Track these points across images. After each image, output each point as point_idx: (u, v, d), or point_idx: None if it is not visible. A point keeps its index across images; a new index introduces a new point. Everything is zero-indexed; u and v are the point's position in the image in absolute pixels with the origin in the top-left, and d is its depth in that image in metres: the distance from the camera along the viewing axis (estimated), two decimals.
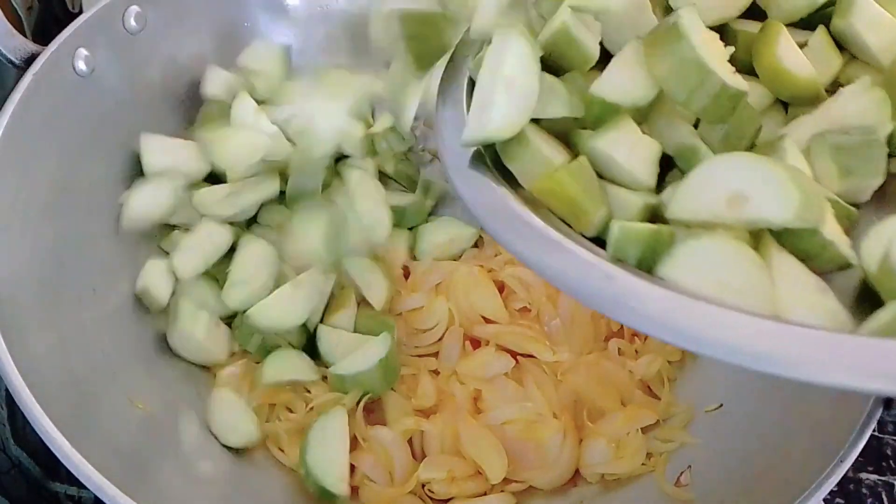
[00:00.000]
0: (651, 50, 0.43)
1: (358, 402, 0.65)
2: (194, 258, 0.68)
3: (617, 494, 0.63)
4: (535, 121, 0.44)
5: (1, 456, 0.65)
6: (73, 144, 0.63)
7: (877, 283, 0.37)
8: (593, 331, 0.70)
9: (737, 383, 0.65)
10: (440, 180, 0.82)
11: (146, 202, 0.67)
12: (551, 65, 0.46)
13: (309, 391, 0.67)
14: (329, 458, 0.61)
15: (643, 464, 0.63)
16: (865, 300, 0.37)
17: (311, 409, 0.65)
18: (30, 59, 0.60)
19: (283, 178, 0.72)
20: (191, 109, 0.76)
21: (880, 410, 0.51)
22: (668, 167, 0.45)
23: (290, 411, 0.67)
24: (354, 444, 0.63)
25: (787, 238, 0.38)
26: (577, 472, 0.65)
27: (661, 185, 0.44)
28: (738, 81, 0.41)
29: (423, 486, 0.63)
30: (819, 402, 0.57)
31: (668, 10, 0.48)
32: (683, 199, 0.39)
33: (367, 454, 0.63)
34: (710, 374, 0.68)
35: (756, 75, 0.48)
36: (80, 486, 0.48)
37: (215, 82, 0.74)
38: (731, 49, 0.43)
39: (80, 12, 0.80)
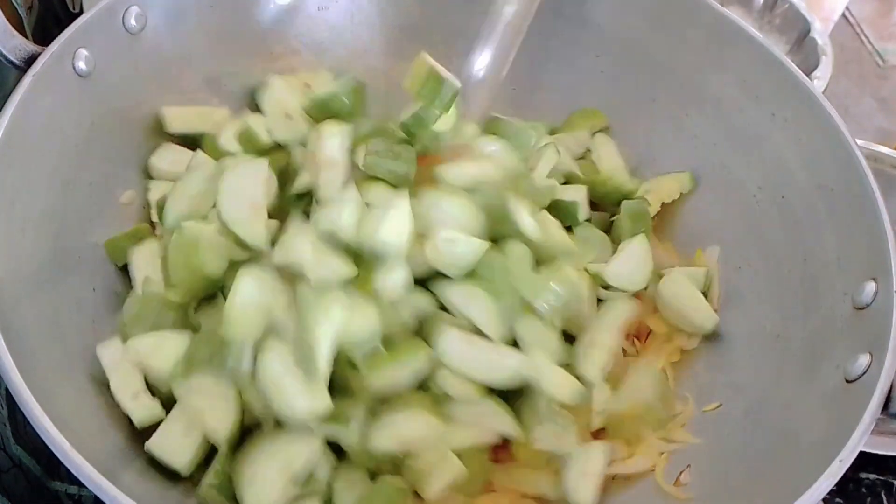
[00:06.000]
0: None
1: None
2: None
3: (616, 493, 0.63)
4: None
5: (1, 455, 0.65)
6: (73, 144, 0.63)
7: None
8: None
9: (737, 383, 0.65)
10: None
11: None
12: None
13: None
14: None
15: None
16: None
17: None
18: (30, 59, 0.60)
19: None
20: None
21: (880, 410, 0.51)
22: None
23: None
24: None
25: None
26: None
27: None
28: None
29: None
30: (819, 401, 0.57)
31: None
32: None
33: None
34: (709, 373, 0.68)
35: None
36: (81, 485, 0.48)
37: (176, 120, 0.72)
38: None
39: (80, 12, 0.80)
